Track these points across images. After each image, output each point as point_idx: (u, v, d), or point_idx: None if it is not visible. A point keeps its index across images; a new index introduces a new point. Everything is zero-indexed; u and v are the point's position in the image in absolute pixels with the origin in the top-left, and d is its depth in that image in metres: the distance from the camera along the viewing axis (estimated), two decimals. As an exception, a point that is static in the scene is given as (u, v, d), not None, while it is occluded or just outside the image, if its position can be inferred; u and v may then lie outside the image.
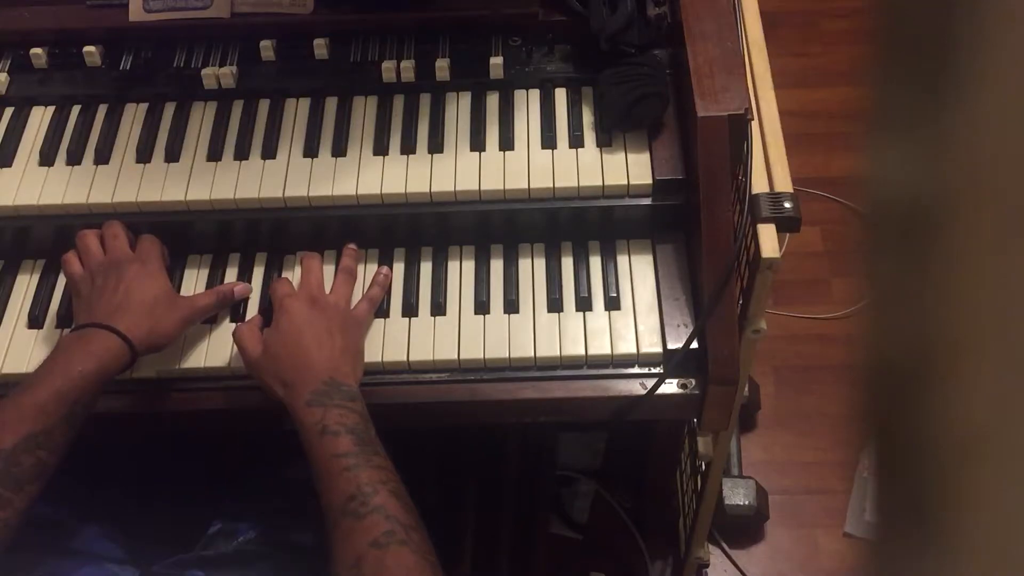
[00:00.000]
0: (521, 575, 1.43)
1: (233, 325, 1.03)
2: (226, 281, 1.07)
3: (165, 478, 1.15)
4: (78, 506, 1.03)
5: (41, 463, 0.85)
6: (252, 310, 1.05)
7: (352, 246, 1.06)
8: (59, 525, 1.01)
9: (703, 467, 1.30)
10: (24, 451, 0.84)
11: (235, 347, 0.99)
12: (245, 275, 1.08)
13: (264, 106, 1.13)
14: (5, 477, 0.82)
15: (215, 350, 1.02)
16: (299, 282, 1.01)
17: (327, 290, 1.01)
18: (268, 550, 1.02)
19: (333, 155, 1.09)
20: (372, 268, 1.07)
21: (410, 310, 1.04)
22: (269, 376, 0.94)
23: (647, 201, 1.05)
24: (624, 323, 1.02)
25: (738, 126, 0.97)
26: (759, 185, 0.96)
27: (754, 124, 0.98)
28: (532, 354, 1.01)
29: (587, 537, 1.65)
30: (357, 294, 1.03)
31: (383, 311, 1.04)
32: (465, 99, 1.13)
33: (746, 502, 1.62)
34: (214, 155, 1.09)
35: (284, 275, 1.07)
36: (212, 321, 1.04)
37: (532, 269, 1.07)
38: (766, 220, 0.94)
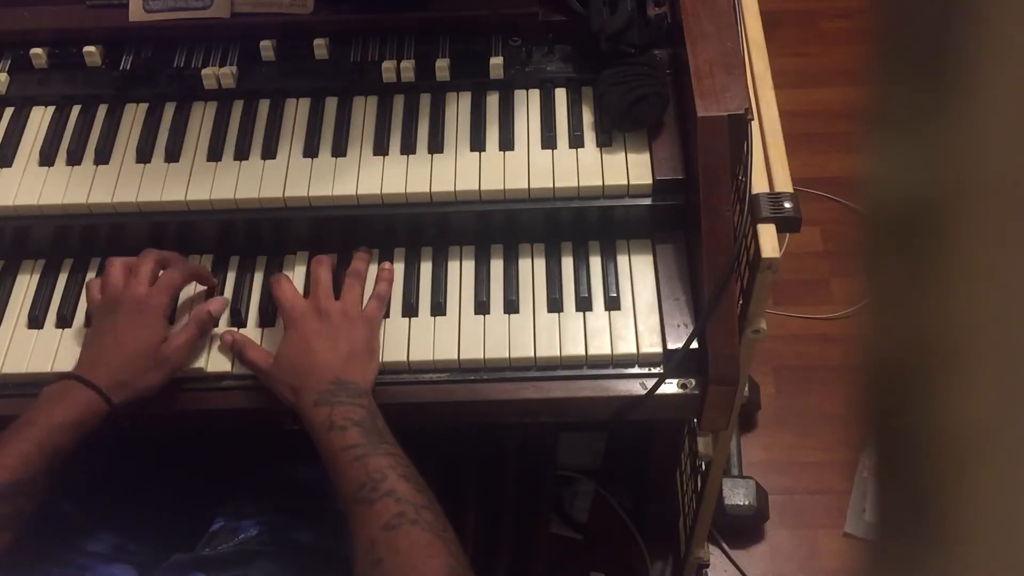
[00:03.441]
0: (521, 575, 1.43)
1: (234, 328, 1.04)
2: (227, 282, 1.07)
3: (167, 478, 1.15)
4: (79, 508, 1.03)
5: (19, 511, 0.86)
6: (253, 312, 1.05)
7: (364, 250, 1.06)
8: (61, 527, 1.01)
9: (703, 467, 1.30)
10: (4, 499, 0.85)
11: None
12: (246, 275, 1.08)
13: (264, 106, 1.13)
14: None
15: (216, 352, 1.02)
16: (309, 290, 1.01)
17: (337, 294, 1.01)
18: (269, 548, 1.02)
19: (333, 155, 1.09)
20: (373, 268, 1.07)
21: (410, 310, 1.04)
22: (281, 384, 0.96)
23: (647, 201, 1.05)
24: (624, 323, 1.02)
25: (738, 126, 0.97)
26: (759, 185, 0.96)
27: (754, 124, 0.98)
28: (532, 354, 1.01)
29: (587, 537, 1.65)
30: (367, 292, 1.04)
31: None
32: (465, 99, 1.13)
33: (746, 502, 1.62)
34: (214, 155, 1.09)
35: (284, 271, 1.07)
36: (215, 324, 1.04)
37: (532, 269, 1.07)
38: (766, 220, 0.94)
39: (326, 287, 1.00)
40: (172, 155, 1.10)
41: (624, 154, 1.06)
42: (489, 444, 1.36)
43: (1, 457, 0.87)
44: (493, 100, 1.12)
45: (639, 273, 1.05)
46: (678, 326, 1.00)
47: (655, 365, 1.00)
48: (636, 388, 0.99)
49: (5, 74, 1.15)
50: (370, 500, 0.83)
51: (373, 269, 1.07)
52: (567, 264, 1.06)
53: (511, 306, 1.04)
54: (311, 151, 1.09)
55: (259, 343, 1.02)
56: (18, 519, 0.86)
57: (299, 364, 0.95)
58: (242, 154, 1.09)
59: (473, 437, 1.32)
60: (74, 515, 1.02)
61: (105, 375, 0.94)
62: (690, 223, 1.02)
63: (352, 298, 1.00)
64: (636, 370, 1.00)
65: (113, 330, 0.97)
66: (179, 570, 0.97)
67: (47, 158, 1.10)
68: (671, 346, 0.99)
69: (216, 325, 1.03)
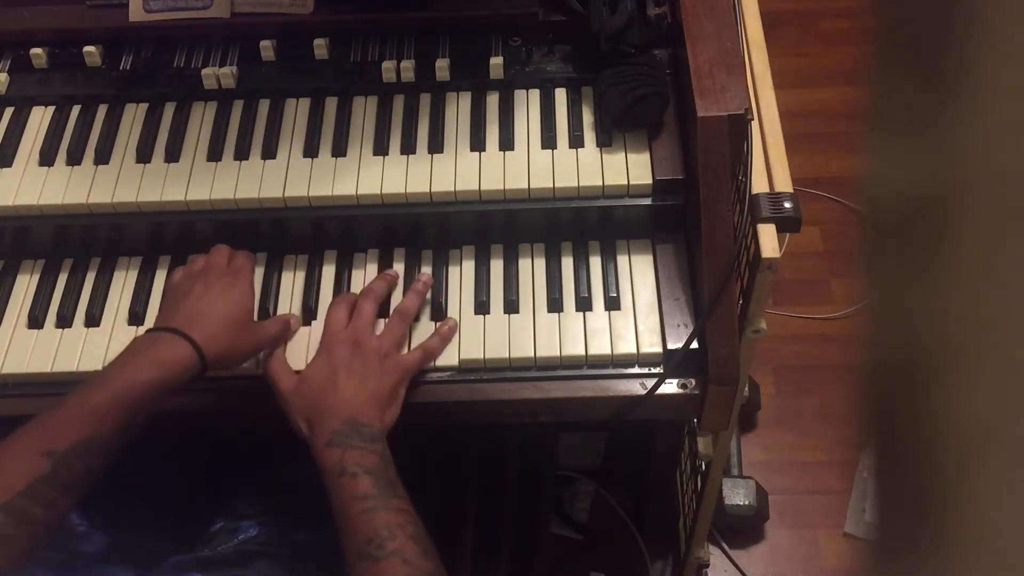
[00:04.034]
0: (521, 575, 1.43)
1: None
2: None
3: (166, 478, 1.15)
4: (78, 509, 1.03)
5: (90, 468, 0.83)
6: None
7: (425, 277, 1.04)
8: (59, 529, 1.01)
9: (703, 467, 1.30)
10: (77, 456, 0.82)
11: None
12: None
13: (264, 106, 1.13)
14: (55, 479, 0.80)
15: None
16: (351, 320, 0.99)
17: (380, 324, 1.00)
18: (268, 549, 1.02)
19: (333, 155, 1.09)
20: (372, 269, 1.07)
21: (410, 310, 1.04)
22: (296, 412, 0.93)
23: (647, 201, 1.05)
24: (624, 323, 1.02)
25: (738, 126, 0.97)
26: (759, 185, 0.96)
27: (754, 124, 0.98)
28: (532, 354, 1.01)
29: (587, 537, 1.65)
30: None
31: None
32: (465, 99, 1.13)
33: (746, 502, 1.62)
34: (214, 155, 1.09)
35: (284, 276, 1.07)
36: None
37: (532, 269, 1.07)
38: (766, 220, 0.94)
39: (367, 320, 0.98)
40: (172, 155, 1.10)
41: (624, 154, 1.06)
42: (489, 444, 1.36)
43: (79, 412, 0.84)
44: (493, 100, 1.12)
45: (639, 273, 1.05)
46: (678, 326, 1.00)
47: (655, 365, 1.00)
48: (636, 388, 0.99)
49: (5, 74, 1.15)
50: (376, 558, 0.81)
51: (368, 271, 1.06)
52: (567, 264, 1.06)
53: (511, 306, 1.04)
54: (311, 151, 1.09)
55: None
56: (89, 476, 0.83)
57: (319, 394, 0.92)
58: (242, 154, 1.09)
59: (473, 437, 1.32)
60: (72, 517, 1.02)
61: (202, 331, 0.91)
62: (690, 223, 1.02)
63: (392, 339, 0.97)
64: (636, 370, 1.00)
65: (210, 291, 0.95)
66: (177, 571, 0.97)
67: (47, 158, 1.10)
68: (671, 346, 0.99)
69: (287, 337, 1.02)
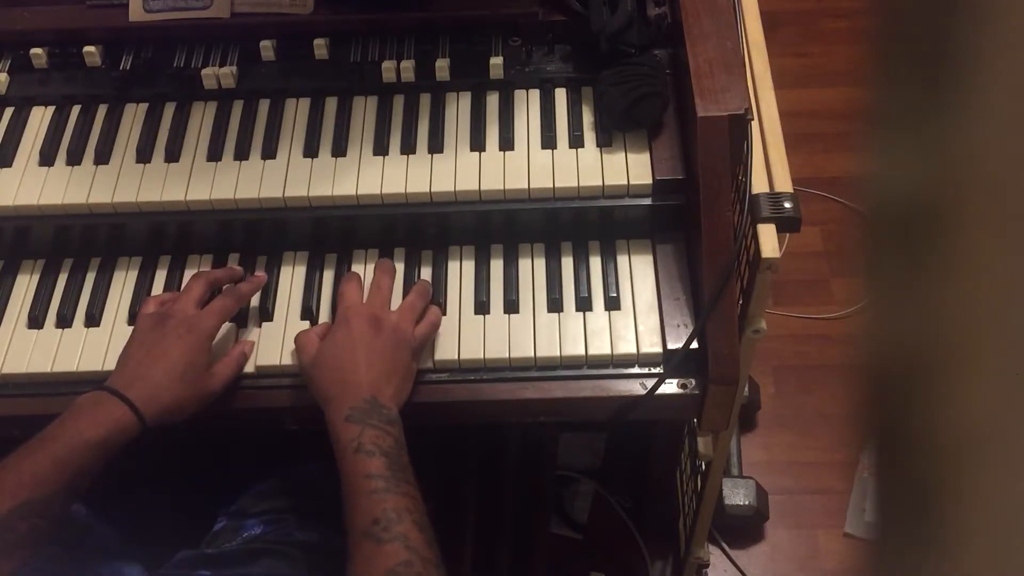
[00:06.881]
0: (521, 575, 1.43)
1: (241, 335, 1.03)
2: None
3: (171, 477, 1.15)
4: (87, 506, 1.03)
5: (36, 529, 0.83)
6: (253, 311, 1.05)
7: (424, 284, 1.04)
8: (69, 524, 1.01)
9: (703, 467, 1.30)
10: (20, 518, 0.82)
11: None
12: (246, 275, 1.07)
13: (264, 106, 1.13)
14: None
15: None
16: (367, 295, 1.00)
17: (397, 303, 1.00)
18: (273, 547, 1.02)
19: (333, 155, 1.09)
20: (372, 269, 1.07)
21: (410, 310, 1.04)
22: (314, 384, 0.94)
23: (647, 201, 1.05)
24: (624, 323, 1.02)
25: (738, 126, 0.97)
26: (759, 185, 0.96)
27: (754, 124, 0.98)
28: (532, 354, 1.00)
29: (587, 537, 1.65)
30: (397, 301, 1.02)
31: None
32: (465, 99, 1.13)
33: (746, 502, 1.62)
34: (214, 155, 1.09)
35: (284, 277, 1.07)
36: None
37: (532, 269, 1.06)
38: (766, 220, 0.94)
39: (386, 296, 0.99)
40: (172, 155, 1.10)
41: (624, 154, 1.06)
42: (490, 444, 1.36)
43: (17, 474, 0.84)
44: (493, 100, 1.12)
45: (639, 273, 1.05)
46: (678, 326, 1.00)
47: (655, 365, 1.00)
48: (636, 388, 0.99)
49: (5, 74, 1.15)
50: (380, 539, 0.81)
51: (368, 271, 1.06)
52: (567, 264, 1.06)
53: (511, 306, 1.04)
54: (311, 151, 1.09)
55: (256, 342, 1.02)
56: (34, 537, 0.84)
57: (337, 369, 0.92)
58: (242, 154, 1.09)
59: (474, 437, 1.32)
60: (80, 510, 1.02)
61: (142, 392, 0.91)
62: (690, 223, 1.02)
63: (409, 317, 0.98)
64: (636, 370, 1.00)
65: (157, 348, 0.94)
66: (185, 567, 0.97)
67: (47, 158, 1.10)
68: (671, 346, 0.99)
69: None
